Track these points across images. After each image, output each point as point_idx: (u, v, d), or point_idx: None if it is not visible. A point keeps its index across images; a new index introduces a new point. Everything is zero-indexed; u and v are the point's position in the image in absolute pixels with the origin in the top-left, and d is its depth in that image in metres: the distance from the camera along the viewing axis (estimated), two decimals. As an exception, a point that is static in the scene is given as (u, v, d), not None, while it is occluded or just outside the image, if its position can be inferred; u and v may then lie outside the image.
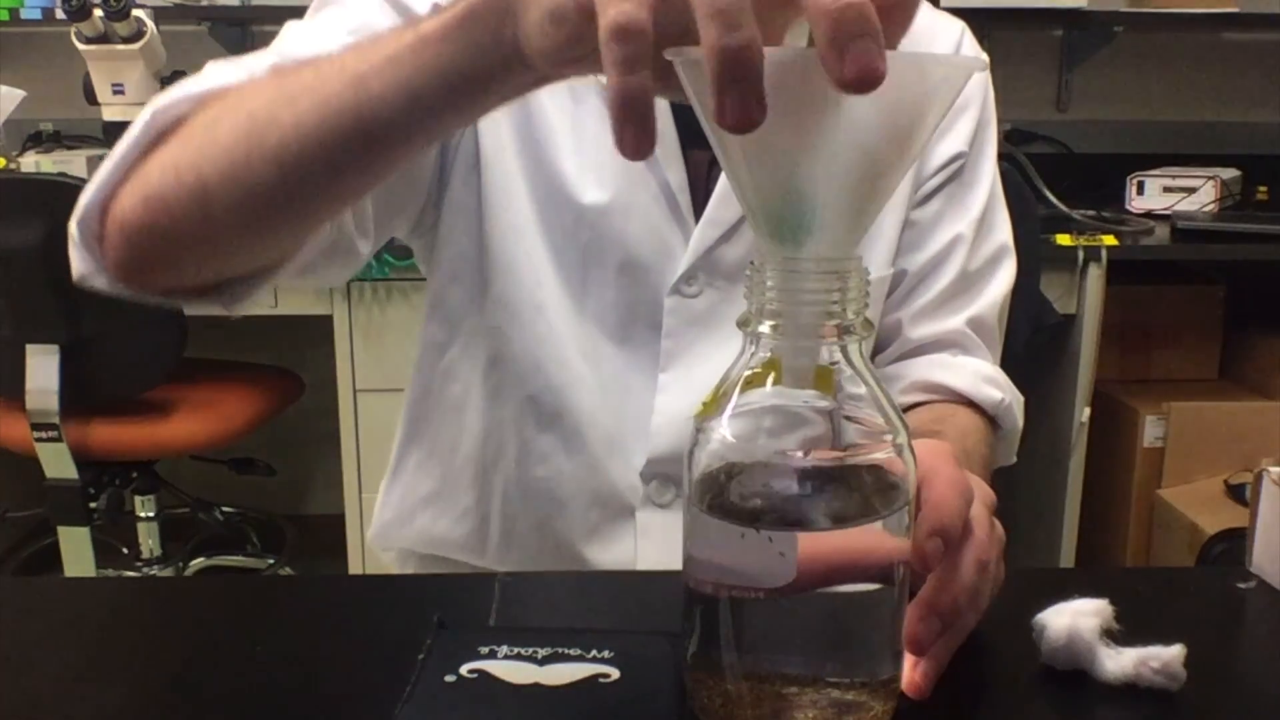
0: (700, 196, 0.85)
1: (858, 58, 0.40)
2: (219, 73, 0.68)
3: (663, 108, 0.82)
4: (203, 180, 0.61)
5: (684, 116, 0.82)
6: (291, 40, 0.76)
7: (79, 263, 0.68)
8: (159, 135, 0.65)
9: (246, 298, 0.70)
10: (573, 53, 0.48)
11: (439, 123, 0.57)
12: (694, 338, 0.85)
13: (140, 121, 0.65)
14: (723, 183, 0.83)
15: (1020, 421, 0.93)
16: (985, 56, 0.93)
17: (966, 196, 0.92)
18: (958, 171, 0.91)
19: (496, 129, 0.84)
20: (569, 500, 0.88)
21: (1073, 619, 0.58)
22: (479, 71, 0.53)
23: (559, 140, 0.84)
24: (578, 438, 0.87)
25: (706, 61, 0.41)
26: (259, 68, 0.69)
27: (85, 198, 0.66)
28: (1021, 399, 0.94)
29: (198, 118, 0.64)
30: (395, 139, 0.57)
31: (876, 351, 0.94)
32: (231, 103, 0.63)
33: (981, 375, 0.90)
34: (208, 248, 0.66)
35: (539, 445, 0.88)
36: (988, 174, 0.93)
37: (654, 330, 0.86)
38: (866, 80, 0.40)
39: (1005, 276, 0.95)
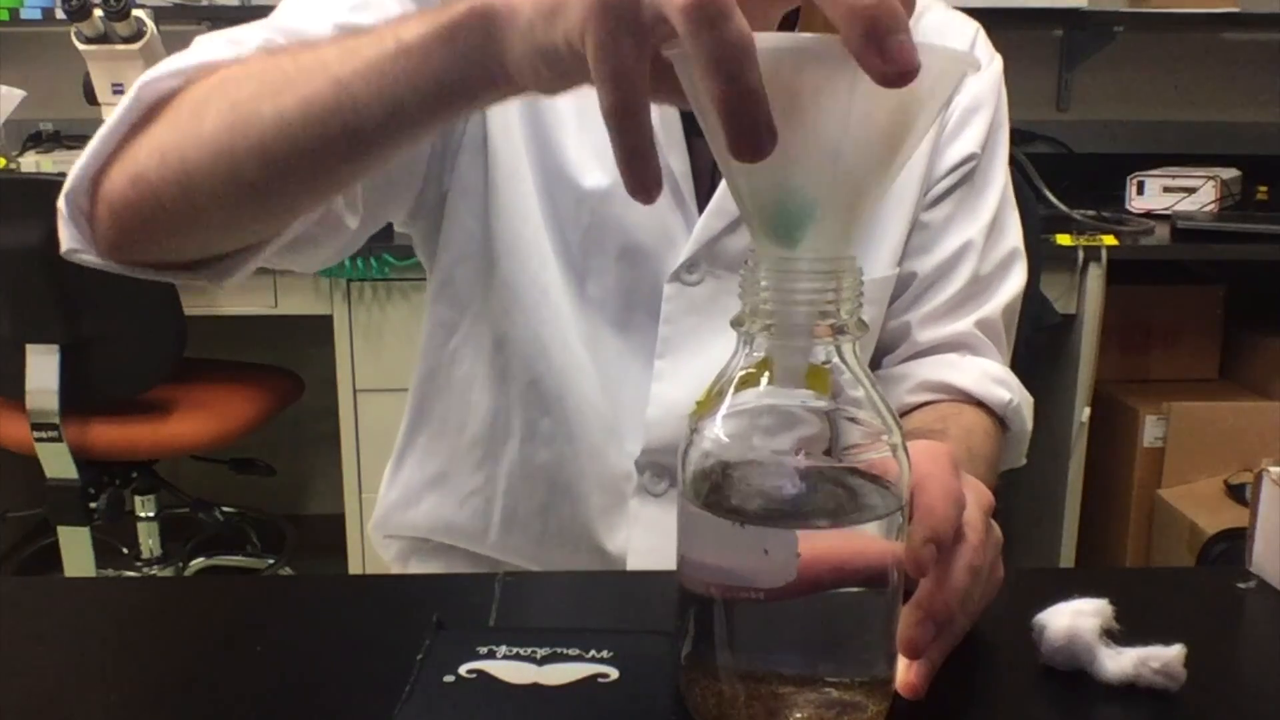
0: (704, 184, 0.84)
1: (897, 52, 0.41)
2: (208, 47, 0.67)
3: None
4: (187, 166, 0.62)
5: None
6: (289, 15, 0.74)
7: (68, 238, 0.68)
8: (147, 111, 0.65)
9: (234, 273, 0.71)
10: (562, 86, 0.49)
11: (421, 128, 0.58)
12: (692, 326, 0.85)
13: (128, 96, 0.65)
14: None
15: (1029, 423, 0.93)
16: (999, 58, 0.93)
17: (978, 201, 0.91)
18: (969, 175, 0.90)
19: (505, 111, 0.84)
20: (570, 485, 0.88)
21: (1073, 619, 0.58)
22: (461, 86, 0.53)
23: (565, 124, 0.84)
24: (579, 422, 0.87)
25: (715, 108, 0.42)
26: (248, 43, 0.68)
27: (74, 173, 0.66)
28: (1031, 400, 0.94)
29: (185, 98, 0.64)
30: (377, 142, 0.58)
31: (884, 353, 0.93)
32: (218, 87, 0.63)
33: (990, 375, 0.90)
34: (192, 228, 0.66)
35: (542, 428, 0.88)
36: (999, 177, 0.93)
37: (653, 318, 0.86)
38: (908, 74, 0.41)
39: (1016, 280, 0.94)
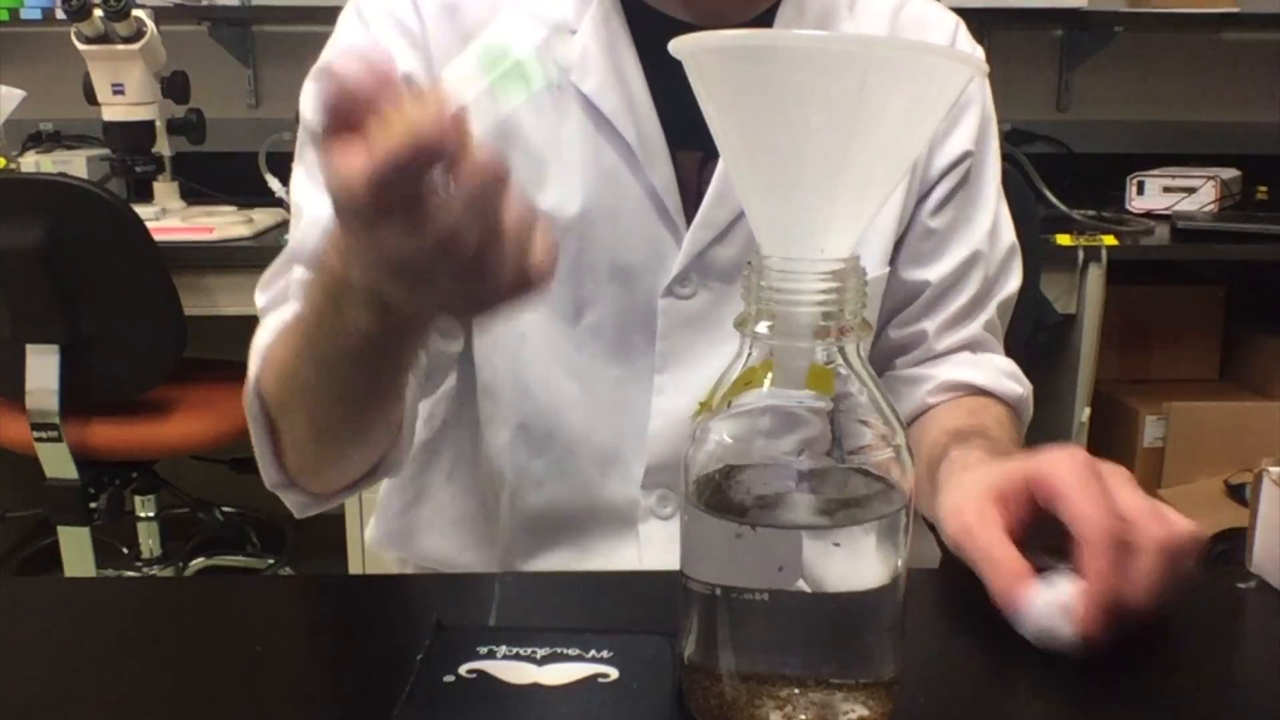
0: (691, 197, 0.84)
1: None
2: (265, 334, 0.77)
3: (647, 111, 0.82)
4: (314, 435, 0.73)
5: (670, 119, 0.82)
6: (299, 195, 0.83)
7: (298, 509, 0.82)
8: (267, 414, 0.75)
9: (405, 447, 0.78)
10: (429, 297, 0.51)
11: (400, 356, 0.64)
12: (690, 339, 0.85)
13: (249, 418, 0.75)
14: (715, 184, 0.83)
15: (1031, 410, 0.95)
16: (981, 51, 0.93)
17: (979, 201, 0.91)
18: (968, 175, 0.90)
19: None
20: (567, 523, 0.89)
21: (1047, 594, 0.58)
22: (377, 341, 0.58)
23: (538, 161, 0.83)
24: (570, 459, 0.87)
25: None
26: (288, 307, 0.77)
27: (268, 477, 0.79)
28: (1031, 388, 0.96)
29: (270, 401, 0.74)
30: (373, 382, 0.66)
31: (897, 356, 0.94)
32: (278, 383, 0.72)
33: (1003, 371, 0.92)
34: (349, 457, 0.76)
35: (533, 471, 0.88)
36: (995, 174, 0.93)
37: (649, 337, 0.85)
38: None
39: (1016, 277, 0.96)
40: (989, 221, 0.92)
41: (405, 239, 0.47)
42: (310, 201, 0.82)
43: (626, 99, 0.82)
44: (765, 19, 0.85)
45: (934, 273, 0.91)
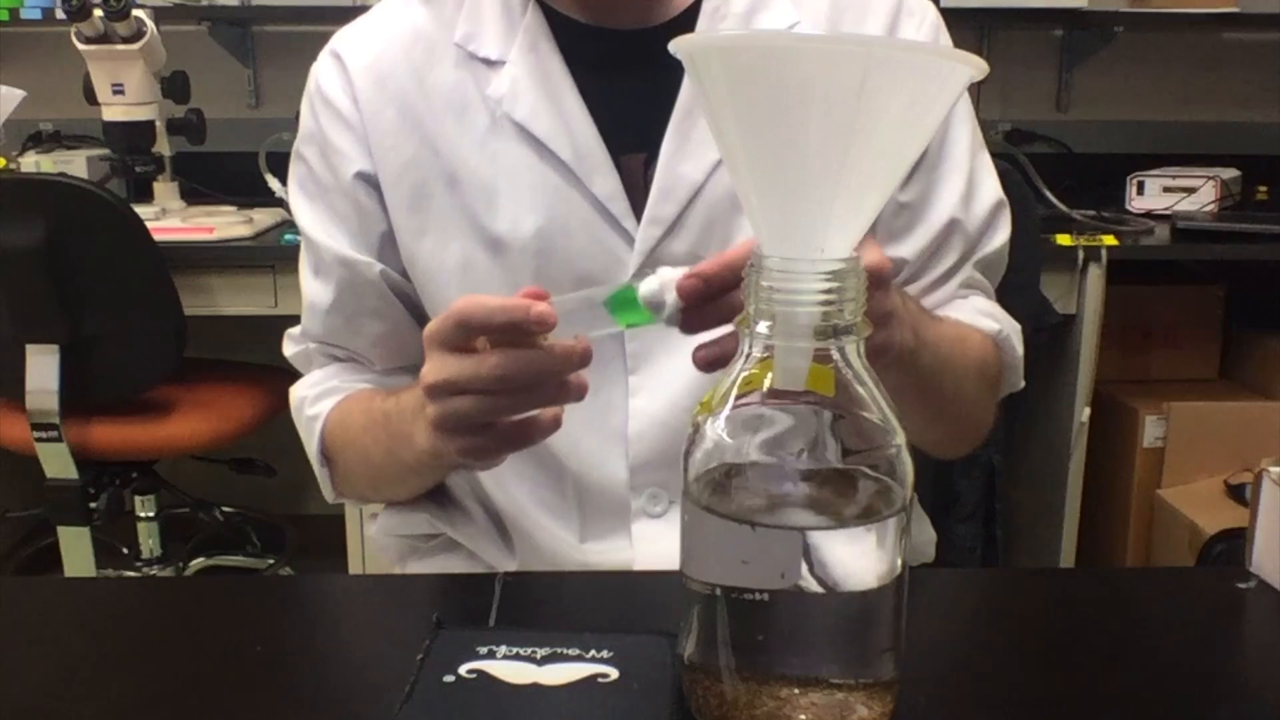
0: (640, 199, 0.84)
1: None
2: (303, 389, 1.01)
3: (584, 126, 0.83)
4: (369, 492, 0.95)
5: (610, 126, 0.83)
6: (301, 276, 0.96)
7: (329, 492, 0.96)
8: (326, 454, 0.94)
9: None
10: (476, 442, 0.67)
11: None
12: (658, 336, 0.85)
13: (311, 455, 0.96)
14: (658, 181, 0.83)
15: (1020, 349, 0.93)
16: (932, 7, 0.90)
17: (947, 171, 0.89)
18: (929, 143, 0.86)
19: (438, 223, 0.86)
20: (553, 528, 0.89)
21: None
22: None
23: (490, 190, 0.84)
24: (556, 471, 0.88)
25: None
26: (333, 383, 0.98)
27: (323, 485, 0.96)
28: (1019, 327, 0.94)
29: (338, 468, 0.94)
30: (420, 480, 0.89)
31: None
32: (350, 470, 0.93)
33: (978, 310, 0.91)
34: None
35: (520, 488, 0.89)
36: (964, 136, 0.90)
37: (618, 340, 0.86)
38: None
39: (1002, 231, 0.93)
40: (960, 185, 0.89)
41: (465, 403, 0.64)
42: (308, 284, 0.95)
43: (560, 119, 0.83)
44: (687, 16, 0.83)
45: (909, 249, 0.89)
